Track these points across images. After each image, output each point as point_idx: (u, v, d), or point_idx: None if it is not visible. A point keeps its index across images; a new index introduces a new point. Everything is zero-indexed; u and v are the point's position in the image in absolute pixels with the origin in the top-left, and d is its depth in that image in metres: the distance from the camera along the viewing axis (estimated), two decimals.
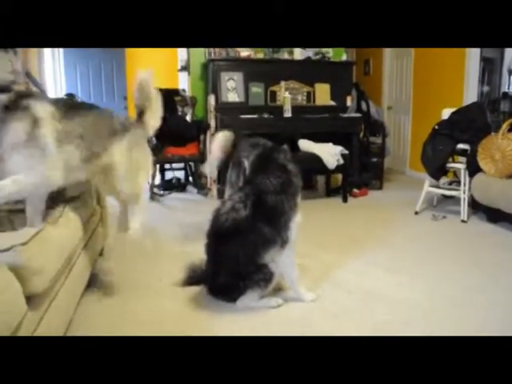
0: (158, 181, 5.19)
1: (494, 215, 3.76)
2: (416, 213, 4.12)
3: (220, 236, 2.27)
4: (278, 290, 2.43)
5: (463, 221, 3.85)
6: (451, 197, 4.33)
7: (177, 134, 4.81)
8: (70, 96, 5.78)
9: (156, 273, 2.72)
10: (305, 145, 4.47)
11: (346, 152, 4.61)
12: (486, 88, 5.81)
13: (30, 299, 1.44)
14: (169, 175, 5.55)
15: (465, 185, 3.90)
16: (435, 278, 2.65)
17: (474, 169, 3.86)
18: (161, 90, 5.18)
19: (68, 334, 1.96)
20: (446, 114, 4.33)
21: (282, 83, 5.14)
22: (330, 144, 4.60)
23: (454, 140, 4.02)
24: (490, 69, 5.81)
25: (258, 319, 2.14)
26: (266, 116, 4.89)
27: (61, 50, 6.42)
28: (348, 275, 2.68)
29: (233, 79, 5.04)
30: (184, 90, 5.63)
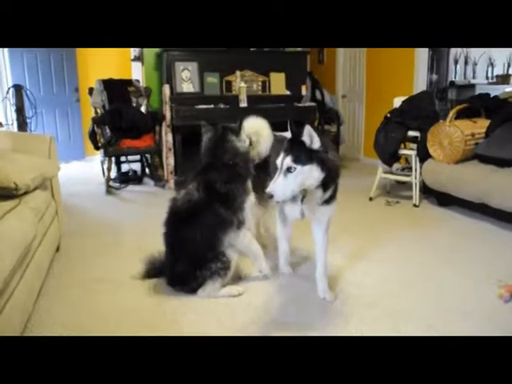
0: (113, 174, 5.08)
1: (444, 199, 3.92)
2: (370, 199, 4.24)
3: (178, 221, 2.27)
4: (238, 278, 2.46)
5: (415, 205, 4.00)
6: (403, 182, 4.49)
7: (131, 125, 4.72)
8: (18, 87, 5.55)
9: (116, 267, 2.69)
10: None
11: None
12: (434, 77, 6.02)
13: None
14: (125, 167, 5.45)
15: (416, 170, 4.05)
16: (390, 262, 2.76)
17: (424, 155, 4.01)
18: (113, 80, 5.15)
19: (27, 332, 1.93)
20: (397, 102, 4.47)
21: (238, 73, 5.13)
22: (288, 133, 4.63)
23: (405, 127, 4.15)
24: (438, 58, 6.02)
25: (222, 309, 2.16)
26: (221, 106, 4.88)
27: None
28: (305, 261, 2.75)
29: (187, 69, 4.98)
30: (138, 81, 5.52)
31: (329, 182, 2.01)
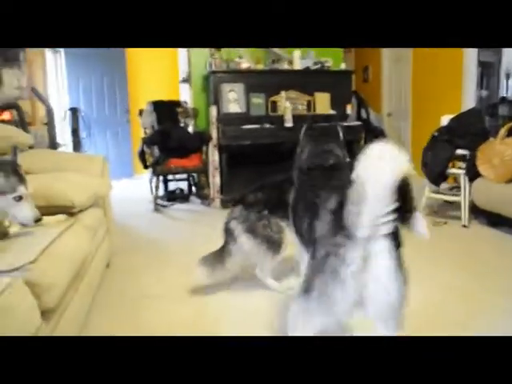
0: (161, 192, 5.24)
1: (494, 220, 3.80)
2: None
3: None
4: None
5: (464, 226, 3.89)
6: (452, 202, 4.38)
7: (179, 145, 4.88)
8: (74, 110, 5.87)
9: (164, 283, 2.77)
10: None
11: (348, 160, 4.65)
12: (484, 92, 5.87)
13: (43, 313, 1.49)
14: (172, 186, 5.62)
15: (465, 190, 3.94)
16: (437, 284, 2.69)
17: (473, 174, 3.90)
18: (163, 101, 5.36)
19: None
20: (444, 120, 4.39)
21: (283, 93, 5.21)
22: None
23: (453, 146, 4.07)
24: (487, 73, 5.87)
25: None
26: (267, 126, 4.96)
27: (63, 63, 6.52)
28: None
29: (234, 90, 5.10)
30: (186, 102, 5.71)
31: None
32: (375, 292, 1.28)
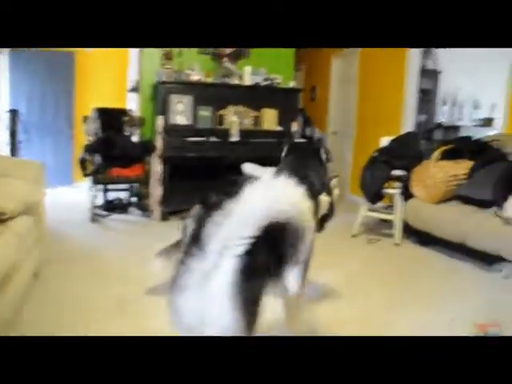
0: (100, 201, 5.10)
1: (425, 238, 3.97)
2: (353, 236, 4.27)
3: None
4: None
5: (396, 244, 4.03)
6: (387, 220, 4.53)
7: (123, 154, 4.79)
8: (13, 112, 5.65)
9: (108, 296, 2.69)
10: (249, 168, 4.55)
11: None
12: (423, 117, 6.16)
13: None
14: (112, 196, 5.47)
15: (399, 209, 4.10)
16: (366, 299, 2.77)
17: (408, 194, 4.08)
18: (108, 109, 5.25)
19: None
20: (384, 141, 4.57)
21: (230, 107, 5.24)
22: (274, 168, 4.71)
23: (390, 166, 4.23)
24: (426, 99, 6.18)
25: None
26: (213, 139, 4.97)
27: (7, 64, 6.27)
28: None
29: (182, 102, 5.08)
30: (132, 111, 5.62)
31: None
32: (210, 307, 1.22)
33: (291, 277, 1.25)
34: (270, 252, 1.24)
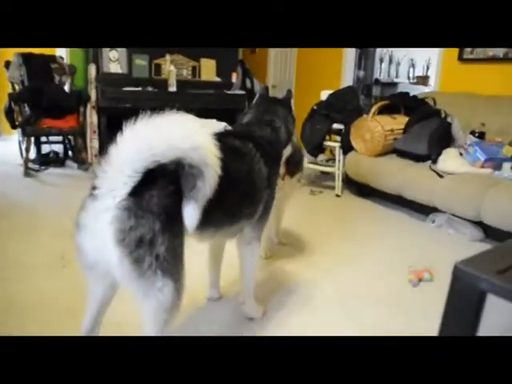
0: (33, 155, 4.80)
1: (364, 190, 4.12)
2: None
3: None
4: None
5: (337, 195, 4.16)
6: (328, 173, 4.65)
7: (54, 104, 4.48)
8: None
9: (29, 252, 2.56)
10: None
11: (230, 128, 4.68)
12: (361, 73, 6.28)
13: None
14: (46, 149, 5.17)
15: (339, 162, 4.20)
16: (309, 249, 2.86)
17: (347, 147, 4.18)
18: (34, 55, 4.86)
19: None
20: (324, 95, 4.60)
21: (168, 56, 5.04)
22: (214, 120, 4.64)
23: (330, 120, 4.30)
24: (365, 56, 6.28)
25: None
26: (150, 89, 4.78)
27: None
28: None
29: (115, 49, 4.81)
30: (62, 58, 5.24)
31: None
32: (100, 246, 1.24)
33: (186, 212, 1.26)
34: (160, 191, 1.24)
